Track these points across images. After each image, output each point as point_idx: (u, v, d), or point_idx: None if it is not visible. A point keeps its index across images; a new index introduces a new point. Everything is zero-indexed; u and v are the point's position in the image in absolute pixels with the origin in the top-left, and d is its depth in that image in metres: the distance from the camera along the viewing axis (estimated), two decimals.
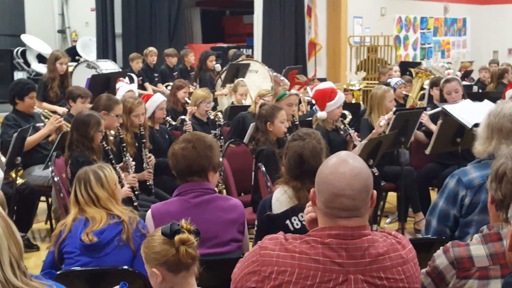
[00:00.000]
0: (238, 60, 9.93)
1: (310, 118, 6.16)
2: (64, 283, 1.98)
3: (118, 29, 13.10)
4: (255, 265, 2.08)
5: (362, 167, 2.08)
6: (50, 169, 4.81)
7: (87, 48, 13.31)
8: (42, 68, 11.64)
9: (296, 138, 3.26)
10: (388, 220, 6.33)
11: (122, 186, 4.31)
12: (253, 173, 4.96)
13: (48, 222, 5.95)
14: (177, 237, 2.35)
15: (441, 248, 2.32)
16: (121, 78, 7.27)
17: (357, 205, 2.05)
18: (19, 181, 5.16)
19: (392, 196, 6.50)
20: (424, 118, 5.95)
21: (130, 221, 3.14)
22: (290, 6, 12.65)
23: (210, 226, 3.08)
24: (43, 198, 5.86)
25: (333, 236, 2.04)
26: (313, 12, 13.11)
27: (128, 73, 8.90)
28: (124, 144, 5.02)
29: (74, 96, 5.88)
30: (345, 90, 9.30)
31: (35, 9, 14.04)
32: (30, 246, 5.38)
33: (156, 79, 10.36)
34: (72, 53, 12.30)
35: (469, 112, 5.38)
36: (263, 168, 4.64)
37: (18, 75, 11.55)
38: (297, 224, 3.08)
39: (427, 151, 5.55)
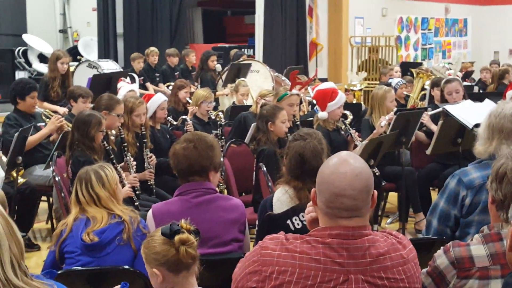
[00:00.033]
0: (239, 60, 9.94)
1: (311, 118, 6.16)
2: (65, 283, 1.98)
3: (120, 29, 13.10)
4: (256, 265, 2.08)
5: (363, 167, 2.08)
6: (51, 168, 4.81)
7: (89, 48, 13.32)
8: (43, 68, 11.64)
9: (297, 138, 3.26)
10: (389, 220, 6.33)
11: (123, 186, 4.32)
12: (254, 173, 4.96)
13: (49, 222, 5.95)
14: (177, 237, 2.35)
15: (442, 248, 2.32)
16: (122, 78, 7.28)
17: (358, 205, 2.05)
18: (20, 180, 5.17)
19: (393, 196, 6.50)
20: (425, 118, 5.95)
21: (131, 220, 3.14)
22: (292, 6, 12.66)
23: (211, 226, 3.08)
24: (44, 197, 5.87)
25: (334, 236, 2.04)
26: (315, 12, 13.12)
27: (130, 73, 8.90)
28: (125, 144, 5.02)
29: (75, 95, 5.88)
30: (346, 90, 9.29)
31: (37, 8, 14.05)
32: (31, 246, 5.39)
33: (158, 79, 10.36)
34: (74, 53, 12.32)
35: (470, 113, 5.38)
36: (264, 168, 4.64)
37: (20, 75, 11.56)
38: (298, 224, 3.09)
39: (428, 152, 5.56)
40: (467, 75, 11.22)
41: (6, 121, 5.73)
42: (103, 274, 3.00)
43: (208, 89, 6.77)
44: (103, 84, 6.99)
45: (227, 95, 8.63)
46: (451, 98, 6.05)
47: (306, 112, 7.31)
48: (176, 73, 10.34)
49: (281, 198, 3.18)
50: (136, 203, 4.57)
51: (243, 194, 5.66)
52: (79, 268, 3.02)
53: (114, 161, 4.66)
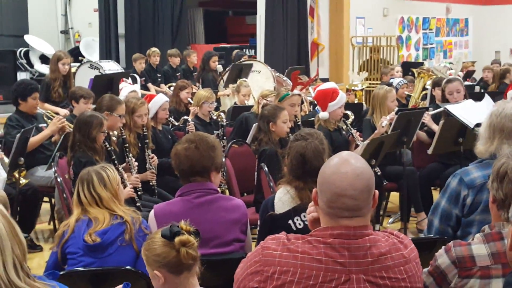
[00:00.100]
0: (240, 60, 9.94)
1: (312, 119, 6.17)
2: (67, 284, 1.99)
3: (121, 29, 13.10)
4: (258, 265, 2.08)
5: (364, 167, 2.09)
6: (53, 169, 4.82)
7: (90, 48, 13.32)
8: (45, 69, 11.64)
9: (299, 138, 3.26)
10: (390, 220, 6.34)
11: (125, 186, 4.33)
12: (255, 173, 4.96)
13: (51, 223, 5.96)
14: (177, 239, 2.35)
15: (443, 247, 2.32)
16: (124, 79, 7.28)
17: (359, 205, 2.05)
18: (22, 181, 5.17)
19: (394, 196, 6.50)
20: (426, 118, 5.95)
21: (133, 221, 3.15)
22: (293, 6, 12.66)
23: (213, 226, 3.08)
24: (46, 198, 5.88)
25: (335, 236, 2.05)
26: (316, 13, 13.12)
27: (131, 74, 8.91)
28: (127, 145, 5.03)
29: (77, 96, 5.89)
30: (348, 90, 9.30)
31: (38, 9, 14.05)
32: (33, 247, 5.39)
33: (159, 79, 10.37)
34: (75, 54, 12.31)
35: (471, 112, 5.39)
36: (266, 168, 4.65)
37: (21, 76, 11.55)
38: (299, 224, 3.09)
39: (429, 151, 5.56)
40: (468, 74, 11.22)
41: (8, 122, 5.74)
42: (105, 274, 3.01)
43: (209, 89, 6.77)
44: (105, 85, 7.00)
45: (228, 95, 8.64)
46: (452, 98, 6.04)
47: (307, 112, 7.32)
48: (177, 74, 10.35)
49: (283, 198, 3.18)
50: (138, 204, 4.57)
51: (245, 194, 5.67)
52: (81, 269, 3.02)
53: (116, 161, 4.66)
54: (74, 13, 14.72)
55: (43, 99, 6.81)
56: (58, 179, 4.60)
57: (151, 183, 5.16)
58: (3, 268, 1.67)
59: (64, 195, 4.48)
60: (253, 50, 13.61)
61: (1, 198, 3.06)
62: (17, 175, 5.05)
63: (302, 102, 6.71)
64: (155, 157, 5.25)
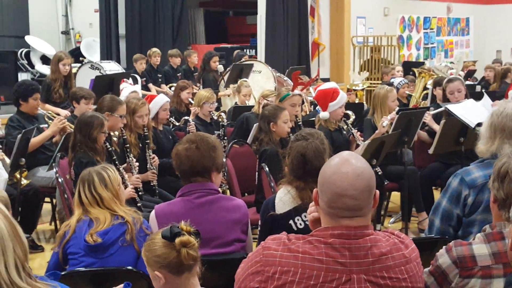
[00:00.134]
0: (241, 60, 9.94)
1: (313, 119, 6.17)
2: (68, 284, 1.99)
3: (122, 30, 13.11)
4: (259, 265, 2.08)
5: (365, 167, 2.09)
6: (54, 170, 4.82)
7: (91, 49, 13.33)
8: (46, 69, 11.65)
9: (299, 138, 3.27)
10: (391, 219, 6.34)
11: (126, 187, 4.33)
12: (256, 173, 4.96)
13: (53, 223, 5.97)
14: (177, 240, 2.35)
15: (444, 247, 2.32)
16: (124, 79, 7.29)
17: (360, 205, 2.05)
18: (24, 182, 5.17)
19: (395, 196, 6.50)
20: (427, 117, 5.95)
21: (134, 221, 3.15)
22: (293, 6, 12.65)
23: (214, 227, 3.09)
24: (47, 199, 5.89)
25: (336, 236, 2.05)
26: (316, 12, 13.12)
27: (132, 74, 8.91)
28: (128, 145, 5.03)
29: (77, 97, 5.90)
30: (349, 90, 9.30)
31: (39, 10, 14.06)
32: (35, 247, 5.40)
33: (160, 80, 10.38)
34: (76, 54, 12.34)
35: (472, 112, 5.39)
36: (267, 168, 4.65)
37: (22, 76, 11.56)
38: (300, 224, 3.09)
39: (430, 151, 5.56)
40: (469, 74, 11.22)
41: (9, 123, 5.74)
42: (106, 275, 3.01)
43: (210, 89, 6.77)
44: (106, 85, 7.00)
45: (229, 95, 8.64)
46: (453, 97, 6.04)
47: (308, 112, 7.32)
48: (178, 74, 10.35)
49: (284, 198, 3.19)
50: (139, 204, 4.57)
51: (246, 194, 5.67)
52: (82, 269, 3.03)
53: (117, 162, 4.66)
54: (74, 14, 14.74)
55: (44, 100, 6.81)
56: (59, 180, 4.60)
57: (152, 184, 5.16)
58: (5, 268, 1.67)
59: (65, 196, 4.48)
60: (253, 50, 13.61)
61: (2, 198, 3.07)
62: (18, 176, 5.05)
63: (303, 102, 6.72)
64: (156, 158, 5.25)
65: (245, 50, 12.92)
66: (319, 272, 2.02)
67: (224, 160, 4.75)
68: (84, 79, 8.66)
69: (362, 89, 9.78)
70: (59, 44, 14.42)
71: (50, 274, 2.08)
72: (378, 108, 5.94)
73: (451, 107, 5.60)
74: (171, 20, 13.01)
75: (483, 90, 9.06)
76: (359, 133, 5.87)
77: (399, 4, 14.66)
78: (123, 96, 6.24)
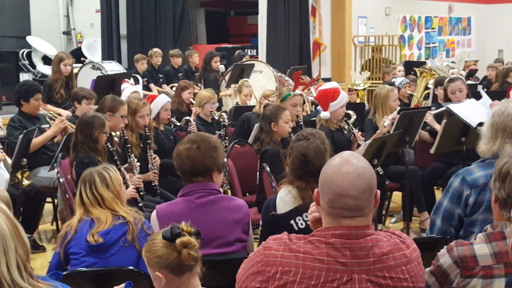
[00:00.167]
0: (242, 60, 9.94)
1: (314, 118, 6.17)
2: (70, 284, 1.99)
3: (123, 30, 13.12)
4: (260, 265, 2.08)
5: (366, 167, 2.09)
6: (56, 170, 4.83)
7: (92, 49, 13.34)
8: (47, 70, 11.66)
9: (300, 138, 3.27)
10: (393, 219, 6.33)
11: (127, 187, 4.33)
12: (257, 173, 4.96)
13: (54, 223, 5.97)
14: (178, 241, 2.35)
15: (445, 247, 2.32)
16: (126, 79, 7.29)
17: (361, 204, 2.05)
18: (25, 182, 5.18)
19: (397, 196, 6.50)
20: (429, 117, 5.94)
21: (135, 221, 3.15)
22: (294, 6, 12.66)
23: (215, 227, 3.09)
24: (49, 199, 5.89)
25: (337, 236, 2.05)
26: (318, 12, 13.12)
27: (133, 74, 8.92)
28: (129, 145, 5.04)
29: (79, 97, 5.90)
30: (350, 90, 9.30)
31: (41, 10, 14.07)
32: (37, 247, 5.40)
33: (161, 80, 10.38)
34: (77, 55, 12.35)
35: (474, 112, 5.38)
36: (268, 168, 4.65)
37: (24, 77, 11.58)
38: (301, 224, 3.10)
39: (432, 151, 5.55)
40: (471, 73, 11.21)
41: (11, 123, 5.75)
42: (107, 275, 3.01)
43: (211, 89, 6.78)
44: (107, 86, 7.01)
45: (230, 95, 8.64)
46: (454, 97, 6.04)
47: (309, 112, 7.32)
48: (179, 74, 10.36)
49: (285, 198, 3.19)
50: (140, 204, 4.58)
51: (247, 194, 5.67)
52: (84, 269, 3.03)
53: (118, 162, 4.67)
54: (76, 14, 14.75)
55: (45, 100, 6.81)
56: (61, 180, 4.61)
57: (153, 184, 5.17)
58: (7, 268, 1.67)
59: (67, 196, 4.49)
60: (254, 50, 13.62)
61: (4, 198, 3.07)
62: (20, 176, 5.06)
63: (304, 102, 6.71)
64: (157, 158, 5.26)
65: (246, 50, 12.91)
66: (320, 272, 2.02)
67: (225, 160, 4.77)
68: (85, 79, 8.66)
69: (364, 89, 9.78)
70: (61, 44, 14.43)
71: (52, 274, 2.08)
72: (379, 108, 5.93)
73: (453, 106, 5.59)
74: (172, 20, 13.02)
75: (484, 90, 9.06)
76: (360, 133, 5.87)
77: (400, 3, 14.66)
78: (124, 96, 6.24)
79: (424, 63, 11.71)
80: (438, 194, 5.73)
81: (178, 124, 6.28)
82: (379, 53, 13.40)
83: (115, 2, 12.89)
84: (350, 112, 6.02)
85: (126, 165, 4.92)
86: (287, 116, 5.13)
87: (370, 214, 2.09)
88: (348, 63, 13.40)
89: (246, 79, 8.35)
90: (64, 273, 2.83)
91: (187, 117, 6.29)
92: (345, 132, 5.83)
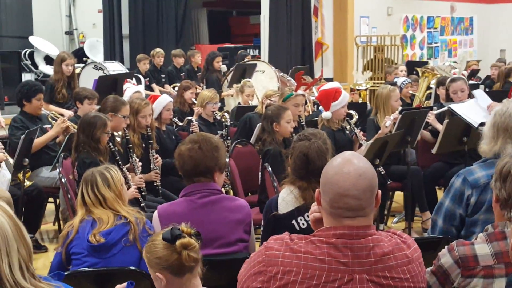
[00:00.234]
0: (244, 60, 9.94)
1: (316, 118, 6.17)
2: (71, 284, 1.99)
3: (125, 30, 13.14)
4: (261, 265, 2.09)
5: (367, 167, 2.09)
6: (58, 170, 4.83)
7: (95, 49, 13.35)
8: (49, 70, 11.68)
9: (302, 138, 3.27)
10: (395, 219, 6.33)
11: (129, 187, 4.34)
12: (259, 173, 4.97)
13: (56, 223, 5.98)
14: (178, 242, 2.35)
15: (446, 247, 2.32)
16: (128, 79, 7.29)
17: (362, 205, 2.05)
18: (27, 182, 5.18)
19: (399, 196, 6.49)
20: (431, 117, 5.95)
21: (137, 221, 3.15)
22: (297, 6, 12.66)
23: (217, 227, 3.09)
24: (51, 199, 5.89)
25: (338, 236, 2.05)
26: (320, 12, 13.12)
27: (135, 74, 8.93)
28: (131, 145, 5.04)
29: (81, 97, 5.91)
30: (352, 90, 9.29)
31: (43, 10, 14.09)
32: (39, 247, 5.41)
33: (163, 80, 10.39)
34: (80, 55, 12.36)
35: (475, 111, 5.38)
36: (270, 168, 4.65)
37: (26, 77, 11.59)
38: (303, 224, 3.10)
39: (434, 151, 5.55)
40: (473, 73, 11.20)
41: (13, 123, 5.75)
42: (109, 275, 3.01)
43: (213, 90, 6.78)
44: (109, 86, 7.01)
45: (232, 95, 8.65)
46: (456, 97, 6.04)
47: (311, 112, 7.32)
48: (181, 74, 10.37)
49: (286, 198, 3.19)
50: (142, 204, 4.58)
51: (249, 194, 5.67)
52: (85, 269, 3.03)
53: (120, 162, 4.67)
54: (78, 14, 14.77)
55: (48, 100, 6.82)
56: (63, 180, 4.61)
57: (155, 184, 5.17)
58: (9, 269, 1.67)
59: (69, 196, 4.49)
60: (257, 50, 13.62)
61: (6, 199, 3.07)
62: (21, 176, 5.07)
63: (306, 103, 6.72)
64: (159, 158, 5.26)
65: (248, 50, 12.93)
66: (321, 272, 2.03)
67: (227, 160, 4.77)
68: (87, 80, 8.67)
69: (366, 89, 9.77)
70: (63, 44, 14.45)
71: (54, 274, 2.08)
72: (381, 108, 5.93)
73: (454, 106, 5.59)
74: (174, 20, 13.02)
75: (485, 90, 9.06)
76: (362, 133, 5.87)
77: (402, 3, 14.64)
78: (126, 96, 6.25)
79: (426, 63, 11.70)
80: (440, 194, 5.70)
81: (180, 124, 6.28)
82: (381, 53, 13.39)
83: (117, 2, 12.91)
84: (352, 112, 6.01)
85: (128, 165, 4.92)
86: (289, 116, 5.13)
87: (371, 214, 2.09)
88: (350, 63, 13.39)
89: (248, 79, 8.36)
90: (65, 273, 2.83)
91: (189, 117, 6.30)
92: (347, 132, 5.83)
